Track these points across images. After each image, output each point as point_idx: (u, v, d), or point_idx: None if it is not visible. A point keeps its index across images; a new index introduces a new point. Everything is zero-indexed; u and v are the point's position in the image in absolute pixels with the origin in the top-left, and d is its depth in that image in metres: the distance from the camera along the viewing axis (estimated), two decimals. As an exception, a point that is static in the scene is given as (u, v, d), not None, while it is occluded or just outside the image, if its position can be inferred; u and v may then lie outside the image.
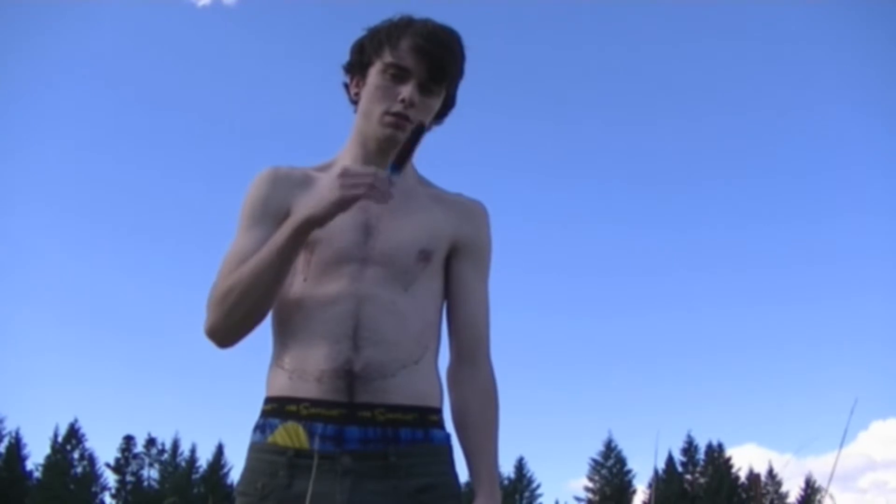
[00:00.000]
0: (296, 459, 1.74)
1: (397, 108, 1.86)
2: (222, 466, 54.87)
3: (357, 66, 1.94)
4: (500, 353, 1.98)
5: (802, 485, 55.71)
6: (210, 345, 1.86)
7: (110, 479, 55.37)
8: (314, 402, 1.76)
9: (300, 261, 1.85)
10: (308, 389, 1.77)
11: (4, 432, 52.44)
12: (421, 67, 1.86)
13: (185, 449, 56.73)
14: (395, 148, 1.85)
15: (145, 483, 55.71)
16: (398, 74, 1.87)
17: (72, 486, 51.92)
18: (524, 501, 57.96)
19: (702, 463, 57.85)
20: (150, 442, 56.77)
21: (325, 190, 1.75)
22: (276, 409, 1.80)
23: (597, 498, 57.26)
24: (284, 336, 1.85)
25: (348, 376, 1.75)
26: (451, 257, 1.96)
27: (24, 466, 52.57)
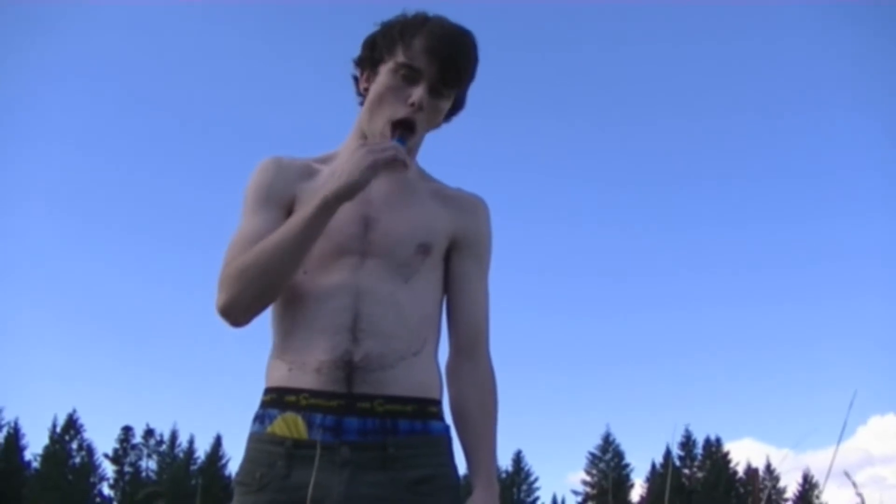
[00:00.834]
0: (294, 450, 1.74)
1: (403, 112, 1.84)
2: (220, 457, 54.98)
3: (368, 61, 1.92)
4: (499, 347, 1.98)
5: (800, 479, 55.79)
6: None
7: (108, 469, 55.58)
8: (313, 393, 1.75)
9: None
10: (307, 380, 1.76)
11: (3, 423, 52.57)
12: (433, 69, 1.84)
13: (183, 440, 56.95)
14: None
15: (143, 474, 55.83)
16: (409, 75, 1.85)
17: (70, 477, 52.04)
18: (522, 495, 58.07)
19: (699, 457, 57.93)
20: (149, 433, 56.94)
21: (350, 164, 1.74)
22: (276, 399, 1.79)
23: (594, 491, 57.35)
24: (284, 327, 1.85)
25: (347, 367, 1.75)
26: (451, 252, 1.95)
27: (22, 457, 52.68)
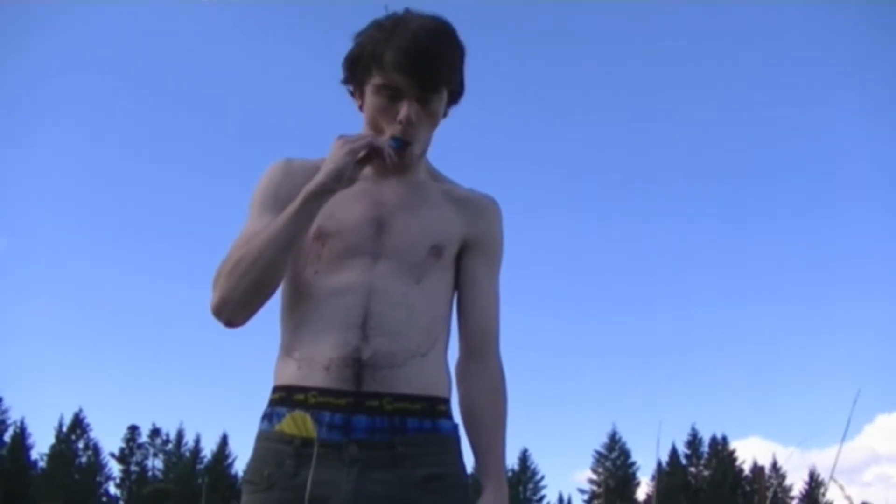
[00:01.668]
0: (302, 448, 1.73)
1: (397, 130, 1.84)
2: (226, 457, 55.04)
3: (352, 82, 1.93)
4: (507, 345, 1.98)
5: (806, 478, 55.74)
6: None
7: (115, 468, 55.68)
8: (322, 391, 1.75)
9: (311, 254, 1.85)
10: (316, 378, 1.76)
11: (10, 422, 52.67)
12: (412, 83, 1.82)
13: (189, 439, 57.03)
14: (400, 171, 1.88)
15: (149, 473, 55.92)
16: (391, 94, 1.84)
17: (76, 476, 52.14)
18: (528, 493, 58.07)
19: (705, 456, 57.90)
20: (155, 432, 57.02)
21: (329, 157, 1.77)
22: (284, 397, 1.79)
23: (601, 490, 57.32)
24: (293, 325, 1.85)
25: (356, 365, 1.75)
26: (463, 253, 1.95)
27: (28, 456, 52.76)
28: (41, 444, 54.26)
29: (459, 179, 2.04)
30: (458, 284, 1.95)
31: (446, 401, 1.86)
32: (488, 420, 1.88)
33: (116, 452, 55.66)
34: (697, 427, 58.09)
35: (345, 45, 1.92)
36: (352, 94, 1.95)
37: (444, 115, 1.94)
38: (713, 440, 58.08)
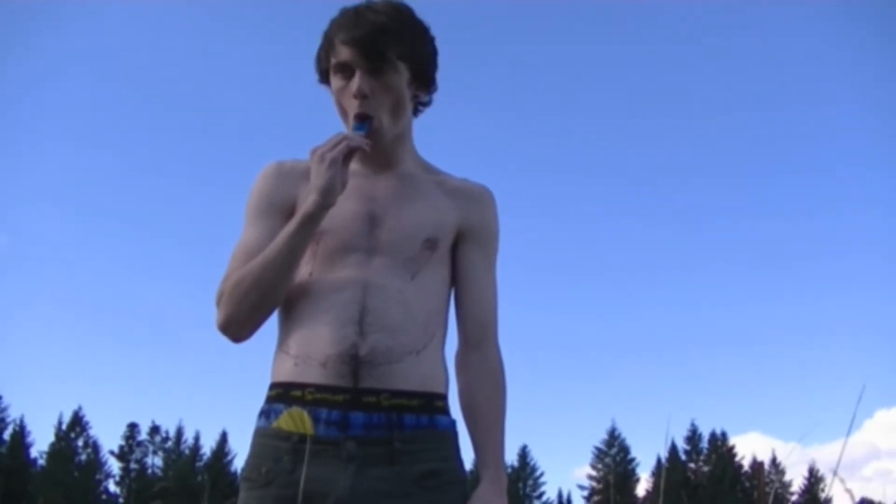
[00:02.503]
0: (300, 445, 1.73)
1: (354, 106, 1.85)
2: (226, 454, 55.08)
3: (323, 76, 1.94)
4: (505, 342, 1.97)
5: (806, 473, 55.81)
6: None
7: (114, 466, 55.71)
8: (319, 388, 1.75)
9: (306, 254, 1.85)
10: (313, 374, 1.76)
11: (9, 420, 52.73)
12: (356, 54, 1.83)
13: (188, 437, 57.08)
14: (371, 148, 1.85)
15: (149, 471, 55.95)
16: (344, 72, 1.86)
17: (76, 474, 52.16)
18: (528, 490, 58.11)
19: (705, 451, 57.96)
20: (154, 430, 57.05)
21: (313, 176, 1.77)
22: (281, 394, 1.79)
23: (600, 486, 57.38)
24: (290, 322, 1.84)
25: (353, 361, 1.75)
26: (458, 243, 1.95)
27: (28, 454, 52.82)
28: (41, 442, 54.37)
29: (465, 174, 2.05)
30: (454, 275, 1.95)
31: (444, 397, 1.85)
32: (487, 411, 1.88)
33: (116, 450, 55.72)
34: (697, 423, 58.18)
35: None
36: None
37: (423, 102, 1.96)
38: (713, 436, 58.16)
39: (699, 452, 57.94)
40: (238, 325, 1.83)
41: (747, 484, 55.66)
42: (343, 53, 1.85)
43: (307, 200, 1.77)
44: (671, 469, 54.42)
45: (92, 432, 54.72)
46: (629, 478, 56.91)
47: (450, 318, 1.95)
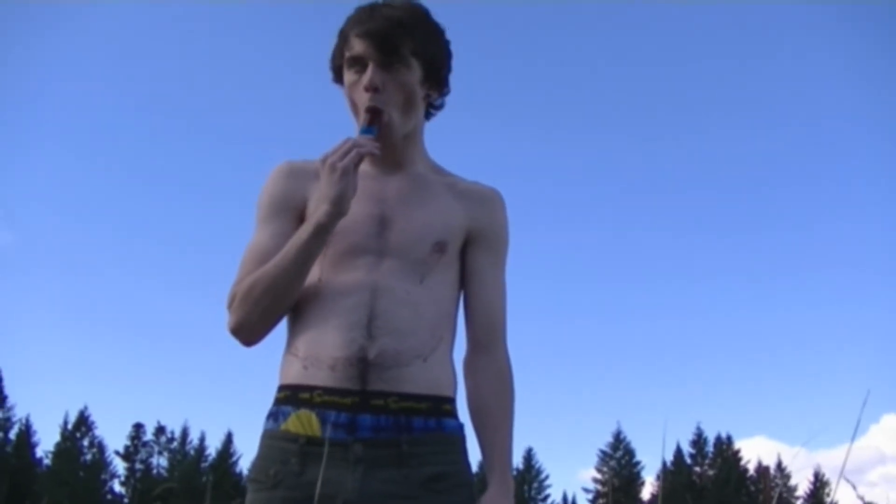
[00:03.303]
0: (308, 447, 1.73)
1: (365, 99, 1.86)
2: (231, 455, 55.10)
3: (337, 74, 1.94)
4: (513, 345, 1.97)
5: (811, 478, 55.67)
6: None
7: (119, 466, 55.77)
8: (327, 390, 1.75)
9: None
10: (321, 377, 1.76)
11: (15, 419, 52.75)
12: (370, 48, 1.85)
13: (194, 437, 57.11)
14: (382, 142, 1.85)
15: (154, 471, 55.98)
16: (357, 67, 1.87)
17: (81, 474, 52.19)
18: (533, 492, 58.06)
19: (710, 455, 57.86)
20: (160, 430, 57.10)
21: (324, 185, 1.77)
22: (289, 396, 1.79)
23: (605, 489, 57.30)
24: (298, 324, 1.85)
25: (361, 364, 1.75)
26: (468, 246, 1.95)
27: (34, 453, 52.88)
28: (46, 442, 54.38)
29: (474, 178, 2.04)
30: (463, 278, 1.95)
31: (451, 400, 1.85)
32: (495, 414, 1.87)
33: (121, 450, 55.79)
34: (703, 426, 58.07)
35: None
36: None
37: (435, 104, 1.97)
38: (718, 440, 58.06)
39: (704, 456, 57.82)
40: (249, 330, 1.83)
41: (752, 488, 55.55)
42: (357, 46, 1.86)
43: (319, 209, 1.77)
44: (676, 472, 54.37)
45: (97, 432, 54.83)
46: (634, 481, 56.81)
47: (458, 321, 1.95)
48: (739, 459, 57.18)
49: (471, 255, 1.95)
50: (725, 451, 57.41)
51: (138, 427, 56.69)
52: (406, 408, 1.76)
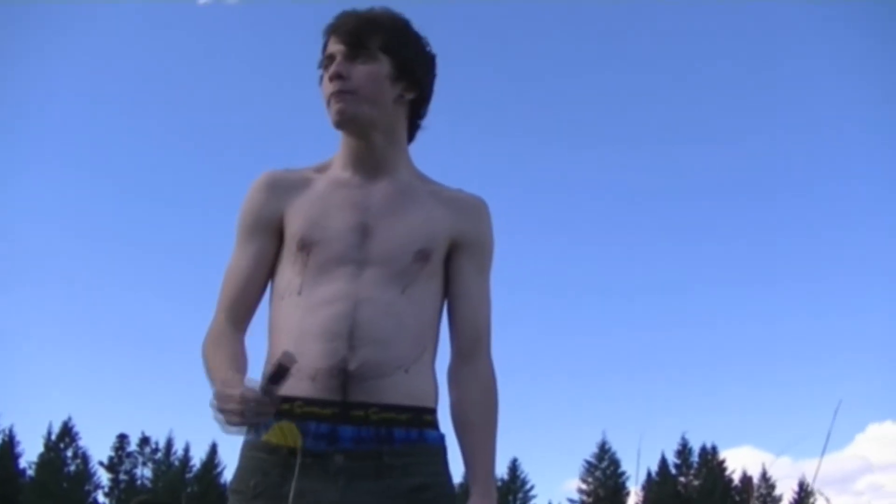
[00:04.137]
0: (289, 458, 1.73)
1: (330, 88, 1.88)
2: (216, 465, 54.82)
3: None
4: (498, 353, 1.97)
5: (796, 487, 55.77)
6: (202, 341, 1.87)
7: (104, 477, 55.36)
8: (308, 401, 1.75)
9: (297, 264, 1.86)
10: (302, 388, 1.76)
11: (-2, 430, 52.36)
12: (339, 44, 1.89)
13: (178, 448, 56.72)
14: (349, 127, 1.90)
15: (139, 482, 55.66)
16: (328, 62, 1.91)
17: (65, 485, 51.89)
18: (518, 503, 57.98)
19: (696, 465, 57.91)
20: (144, 441, 56.73)
21: (213, 412, 1.65)
22: None
23: (590, 499, 57.28)
24: (280, 335, 1.84)
25: (342, 375, 1.75)
26: (452, 254, 1.95)
27: (17, 464, 52.52)
28: (30, 453, 53.96)
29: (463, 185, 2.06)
30: (447, 286, 1.94)
31: (433, 411, 1.85)
32: (479, 424, 1.87)
33: (105, 461, 55.44)
34: (688, 436, 58.11)
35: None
36: None
37: (419, 113, 1.99)
38: (703, 449, 58.10)
39: (689, 466, 57.85)
40: None
41: (737, 498, 55.61)
42: (330, 46, 1.90)
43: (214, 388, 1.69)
44: (661, 482, 54.40)
45: (81, 443, 54.48)
46: (619, 491, 56.78)
47: (442, 330, 1.95)
48: (724, 469, 57.21)
49: (455, 264, 1.95)
50: (710, 461, 57.45)
51: (122, 438, 56.37)
52: (387, 419, 1.76)
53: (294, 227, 1.88)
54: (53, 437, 53.50)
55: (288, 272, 1.87)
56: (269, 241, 1.90)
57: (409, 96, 1.95)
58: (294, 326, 1.82)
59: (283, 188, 1.93)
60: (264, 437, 1.77)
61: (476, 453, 1.85)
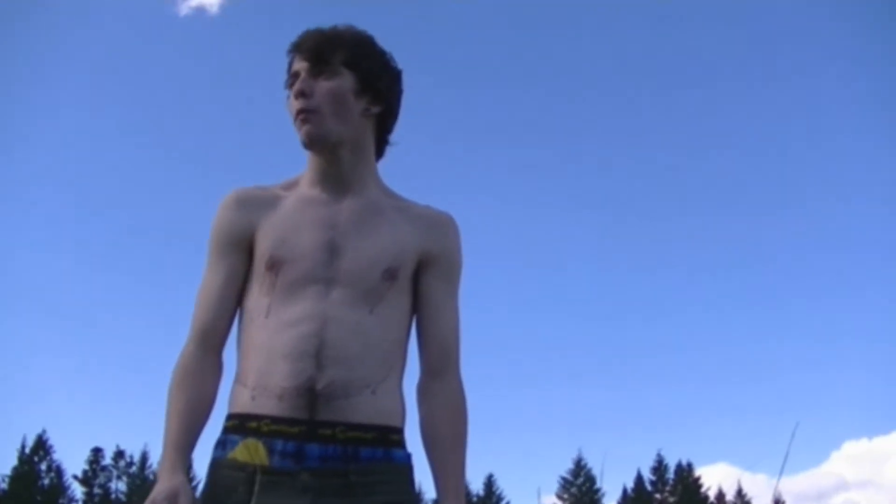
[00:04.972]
0: (255, 476, 1.74)
1: (295, 105, 1.91)
2: (191, 480, 54.25)
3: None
4: (471, 367, 1.99)
5: (770, 504, 55.92)
6: (177, 355, 1.89)
7: (78, 491, 54.91)
8: (275, 420, 1.76)
9: (265, 283, 1.87)
10: (269, 406, 1.77)
11: (-29, 443, 51.92)
12: (302, 62, 1.92)
13: (153, 462, 56.23)
14: (317, 148, 1.92)
15: (113, 496, 55.25)
16: (293, 81, 1.93)
17: (39, 498, 51.46)
18: (493, 519, 57.84)
19: (671, 482, 57.98)
20: (119, 454, 56.35)
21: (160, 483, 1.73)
22: (237, 425, 1.80)
23: (567, 516, 57.25)
24: (248, 354, 1.85)
25: (310, 394, 1.76)
26: (420, 271, 1.95)
27: (-10, 478, 52.07)
28: (3, 466, 53.62)
29: (443, 202, 2.07)
30: (416, 303, 1.95)
31: (399, 430, 1.86)
32: (448, 440, 1.88)
33: (80, 475, 55.02)
34: (664, 453, 58.19)
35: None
36: None
37: (389, 128, 2.01)
38: (679, 466, 58.19)
39: (665, 483, 57.92)
40: None
41: (713, 515, 55.70)
42: (294, 64, 1.93)
43: (157, 484, 1.73)
44: (637, 499, 54.45)
45: (56, 456, 54.08)
46: (596, 507, 56.77)
47: (411, 348, 1.95)
48: (700, 486, 57.29)
49: (424, 281, 1.95)
50: (686, 478, 57.53)
51: (97, 451, 55.99)
52: (353, 437, 1.77)
53: (263, 246, 1.89)
54: (27, 450, 53.04)
55: (255, 292, 1.88)
56: (240, 259, 1.91)
57: (375, 110, 1.96)
58: (262, 345, 1.82)
59: (253, 205, 1.94)
60: (231, 454, 1.78)
61: (445, 469, 1.86)
